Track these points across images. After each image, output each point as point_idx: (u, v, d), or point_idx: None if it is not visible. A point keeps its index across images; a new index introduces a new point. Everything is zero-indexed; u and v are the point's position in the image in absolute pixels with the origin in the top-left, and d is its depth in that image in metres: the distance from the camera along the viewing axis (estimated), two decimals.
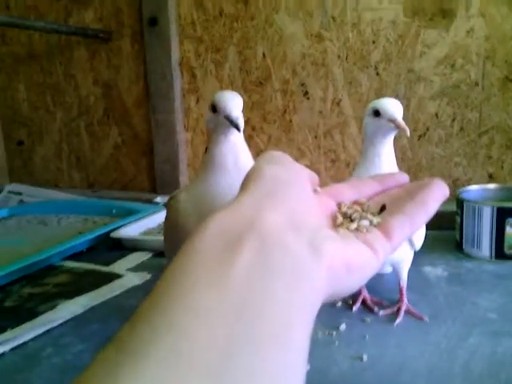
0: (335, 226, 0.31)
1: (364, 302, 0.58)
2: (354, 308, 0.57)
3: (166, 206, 0.54)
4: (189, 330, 0.19)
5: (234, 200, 0.27)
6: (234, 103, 0.48)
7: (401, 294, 0.57)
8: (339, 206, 0.34)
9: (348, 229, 0.30)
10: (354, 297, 0.59)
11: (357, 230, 0.30)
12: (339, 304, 0.58)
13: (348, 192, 0.36)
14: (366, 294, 0.59)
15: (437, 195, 0.33)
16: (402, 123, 0.52)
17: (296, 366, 0.21)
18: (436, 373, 0.44)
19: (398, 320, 0.54)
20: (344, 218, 0.32)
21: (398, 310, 0.56)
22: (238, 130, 0.47)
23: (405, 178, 0.37)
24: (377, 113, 0.53)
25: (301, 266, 0.23)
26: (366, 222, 0.31)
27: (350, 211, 0.33)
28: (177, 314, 0.20)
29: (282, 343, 0.20)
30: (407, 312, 0.56)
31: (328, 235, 0.27)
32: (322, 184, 0.34)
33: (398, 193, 0.35)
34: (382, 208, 0.34)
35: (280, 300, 0.21)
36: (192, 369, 0.18)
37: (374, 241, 0.29)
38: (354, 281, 0.27)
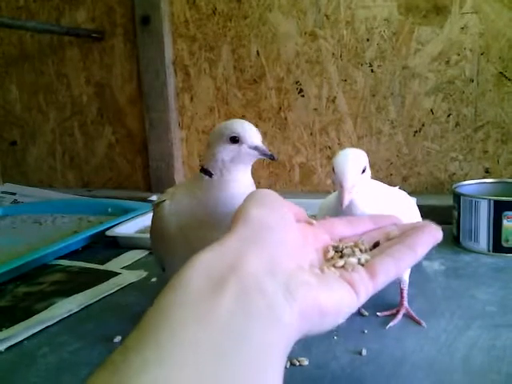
0: (326, 259, 0.33)
1: None
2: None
3: (153, 211, 0.53)
4: (178, 361, 0.21)
5: (220, 240, 0.29)
6: (258, 134, 0.48)
7: (401, 296, 0.55)
8: (333, 239, 0.36)
9: (335, 266, 0.32)
10: None
11: (343, 267, 0.31)
12: None
13: (342, 227, 0.38)
14: None
15: (427, 241, 0.35)
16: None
17: None
18: (436, 366, 0.44)
19: (392, 323, 0.52)
20: (335, 252, 0.34)
21: (397, 312, 0.54)
22: (274, 158, 0.49)
23: (398, 219, 0.39)
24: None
25: (275, 311, 0.25)
26: (353, 260, 0.32)
27: (342, 245, 0.35)
28: (167, 344, 0.21)
29: (257, 376, 0.23)
30: (406, 315, 0.54)
31: (304, 280, 0.28)
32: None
33: (392, 230, 0.37)
34: (376, 244, 0.35)
35: (256, 341, 0.23)
36: None
37: (358, 280, 0.30)
38: (328, 322, 0.29)
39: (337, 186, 0.47)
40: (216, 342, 0.22)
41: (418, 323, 0.52)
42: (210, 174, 0.48)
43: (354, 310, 0.30)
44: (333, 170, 0.47)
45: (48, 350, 0.50)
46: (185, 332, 0.22)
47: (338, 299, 0.29)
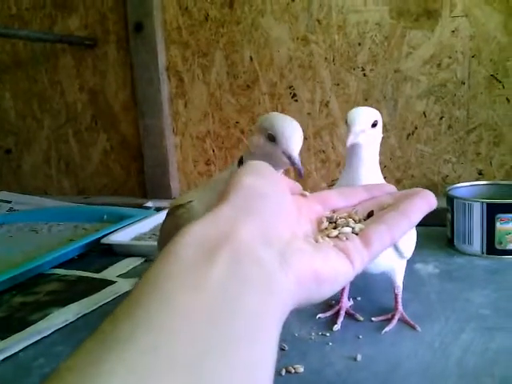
0: (320, 229, 0.33)
1: (347, 313, 0.56)
2: (336, 327, 0.54)
3: (170, 213, 0.50)
4: (169, 327, 0.20)
5: (212, 210, 0.28)
6: (297, 141, 0.44)
7: (396, 301, 0.55)
8: (326, 210, 0.36)
9: (329, 236, 0.31)
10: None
11: (337, 237, 0.31)
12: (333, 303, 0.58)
13: (336, 198, 0.38)
14: (343, 304, 0.57)
15: (421, 207, 0.34)
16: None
17: (264, 365, 0.22)
18: (430, 370, 0.45)
19: (388, 328, 0.52)
20: (329, 223, 0.34)
21: (392, 317, 0.54)
22: (301, 175, 0.44)
23: (392, 189, 0.39)
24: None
25: (270, 278, 0.24)
26: (347, 229, 0.32)
27: (335, 216, 0.34)
28: (157, 312, 0.21)
29: (252, 345, 0.22)
30: (401, 320, 0.54)
31: (299, 248, 0.28)
32: (314, 184, 0.36)
33: (385, 200, 0.37)
34: (370, 214, 0.35)
35: (250, 308, 0.23)
36: (173, 362, 0.19)
37: (352, 249, 0.30)
38: (325, 290, 0.28)
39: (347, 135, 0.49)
40: (209, 308, 0.22)
41: (413, 328, 0.52)
42: None
43: (350, 278, 0.30)
44: (346, 122, 0.49)
45: (44, 361, 0.50)
46: (176, 300, 0.21)
47: (333, 266, 0.28)
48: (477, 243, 0.72)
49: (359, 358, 0.47)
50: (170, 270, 0.23)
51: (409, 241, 0.54)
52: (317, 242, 0.30)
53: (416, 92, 0.95)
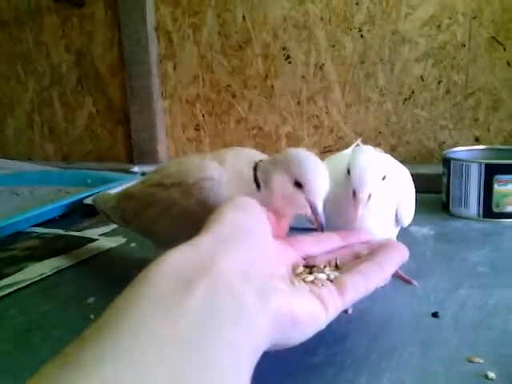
0: (295, 274, 0.33)
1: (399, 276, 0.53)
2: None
3: (193, 186, 0.43)
4: (139, 353, 0.19)
5: (191, 240, 0.27)
6: (325, 191, 0.39)
7: None
8: (301, 256, 0.37)
9: (304, 280, 0.32)
10: None
11: (312, 282, 0.32)
12: None
13: (311, 244, 0.39)
14: None
15: (394, 259, 0.36)
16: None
17: None
18: (424, 323, 0.42)
19: (383, 284, 0.50)
20: (305, 268, 0.34)
21: None
22: (321, 229, 0.39)
23: (368, 236, 0.40)
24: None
25: (246, 313, 0.24)
26: (322, 276, 0.32)
27: (311, 262, 0.35)
28: (125, 338, 0.20)
29: (223, 377, 0.21)
30: (396, 276, 0.51)
31: (277, 287, 0.28)
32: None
33: (361, 249, 0.38)
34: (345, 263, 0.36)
35: (223, 340, 0.22)
36: None
37: (327, 296, 0.30)
38: (299, 333, 0.28)
39: (349, 192, 0.41)
40: (184, 337, 0.21)
41: (409, 282, 0.50)
42: (258, 186, 0.41)
43: (322, 325, 0.30)
44: (347, 172, 0.42)
45: (17, 311, 0.48)
46: (149, 327, 0.21)
47: (310, 310, 0.29)
48: (473, 206, 0.70)
49: (350, 310, 0.44)
50: (144, 295, 0.22)
51: (410, 206, 0.50)
52: (293, 284, 0.31)
53: (414, 55, 0.92)
